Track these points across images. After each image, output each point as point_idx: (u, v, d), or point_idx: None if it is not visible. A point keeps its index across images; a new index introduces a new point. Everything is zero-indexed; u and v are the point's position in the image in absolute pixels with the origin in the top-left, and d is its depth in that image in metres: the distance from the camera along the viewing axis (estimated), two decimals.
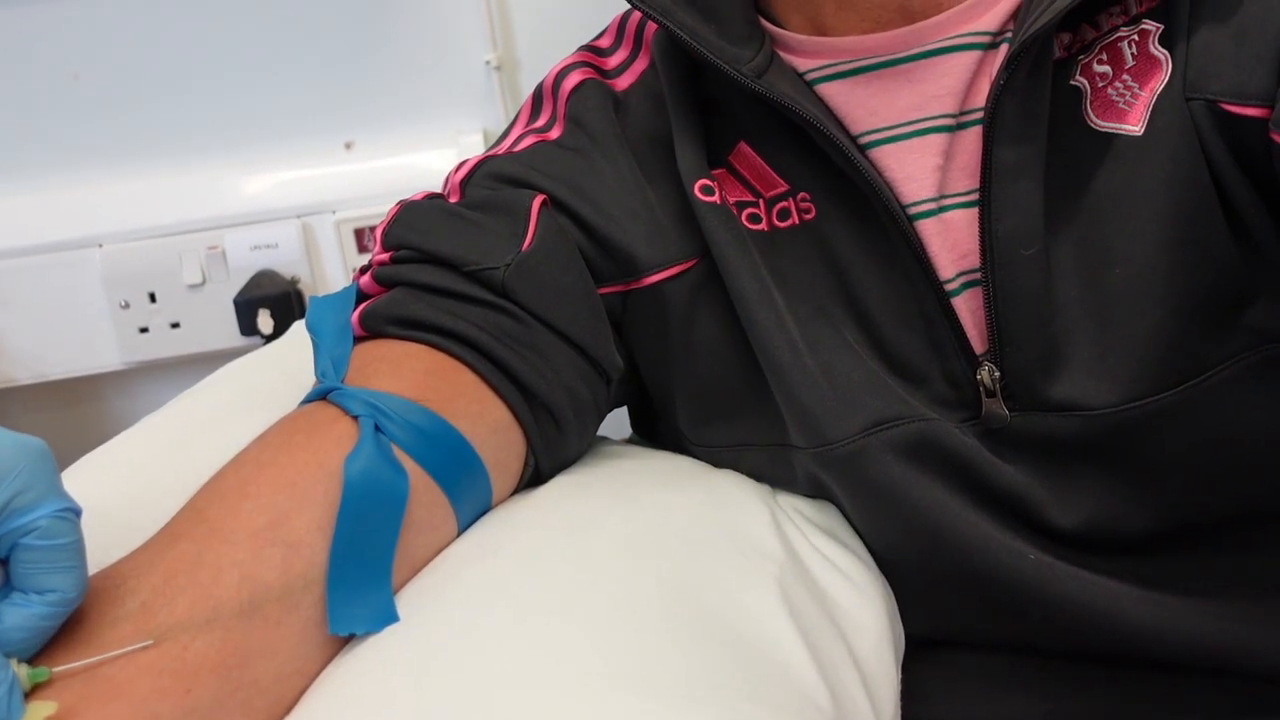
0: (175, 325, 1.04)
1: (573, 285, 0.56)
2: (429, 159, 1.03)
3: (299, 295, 1.03)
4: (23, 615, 0.37)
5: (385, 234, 0.57)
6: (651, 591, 0.44)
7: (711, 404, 0.59)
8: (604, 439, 0.65)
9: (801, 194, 0.58)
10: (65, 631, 0.39)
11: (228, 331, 1.03)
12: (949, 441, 0.54)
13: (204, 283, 1.03)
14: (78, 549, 0.38)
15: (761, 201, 0.58)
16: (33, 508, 0.37)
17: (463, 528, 0.50)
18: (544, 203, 0.57)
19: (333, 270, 1.04)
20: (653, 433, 0.67)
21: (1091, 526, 0.54)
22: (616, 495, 0.53)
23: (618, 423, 0.67)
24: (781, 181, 0.58)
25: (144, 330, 1.04)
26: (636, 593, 0.44)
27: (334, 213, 1.03)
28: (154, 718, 0.37)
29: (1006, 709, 0.57)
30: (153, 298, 1.03)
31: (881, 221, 0.55)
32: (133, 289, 1.03)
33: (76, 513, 0.39)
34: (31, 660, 0.38)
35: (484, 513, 0.51)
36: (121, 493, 0.51)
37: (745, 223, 0.58)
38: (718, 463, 0.59)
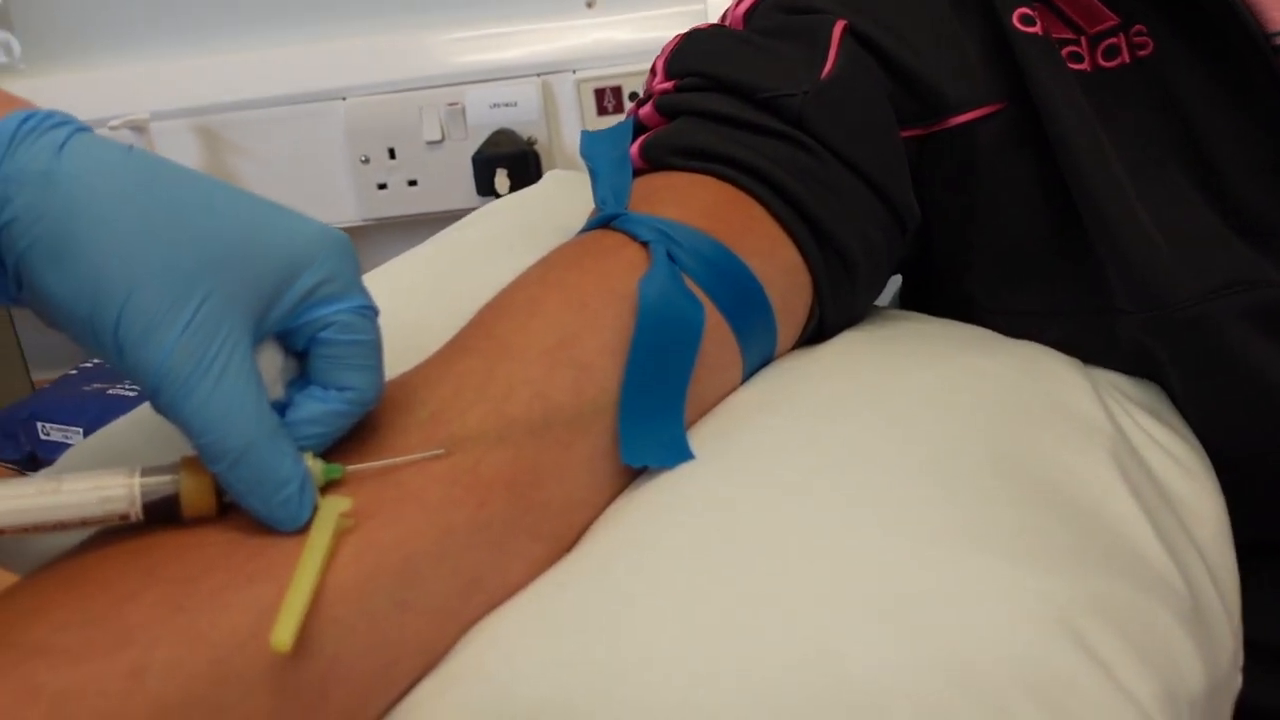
0: (413, 183, 1.04)
1: (875, 120, 0.50)
2: (673, 17, 0.98)
3: (536, 156, 1.01)
4: (319, 409, 0.35)
5: (669, 61, 0.53)
6: (972, 448, 0.39)
7: (1016, 264, 0.53)
8: (879, 307, 0.59)
9: (1135, 27, 0.51)
10: (354, 435, 0.37)
11: (464, 190, 1.03)
12: None
13: (443, 140, 1.02)
14: (376, 348, 0.36)
15: (1084, 39, 0.52)
16: (335, 299, 0.35)
17: (747, 374, 0.46)
18: (846, 28, 0.51)
19: (570, 131, 1.01)
20: (928, 303, 0.61)
21: None
22: (916, 353, 0.48)
23: None
24: (1110, 14, 0.51)
25: (382, 186, 1.04)
26: (956, 447, 0.39)
27: (574, 72, 1.00)
28: (447, 526, 0.35)
29: None
30: (392, 154, 1.03)
31: (1238, 54, 0.48)
32: (373, 144, 1.03)
33: (375, 312, 0.37)
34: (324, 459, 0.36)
35: (766, 362, 0.47)
36: (392, 315, 0.49)
37: (1065, 61, 0.51)
38: (1015, 332, 0.53)
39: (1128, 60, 0.51)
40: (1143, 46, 0.51)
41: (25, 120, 0.33)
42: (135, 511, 0.33)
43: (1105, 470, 0.40)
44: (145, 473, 0.34)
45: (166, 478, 0.34)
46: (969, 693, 0.30)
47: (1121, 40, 0.51)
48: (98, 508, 0.33)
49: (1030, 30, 0.51)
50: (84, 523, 0.33)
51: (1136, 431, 0.46)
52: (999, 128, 0.52)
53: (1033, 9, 0.51)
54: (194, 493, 0.34)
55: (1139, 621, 0.34)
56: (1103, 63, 0.51)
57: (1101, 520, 0.37)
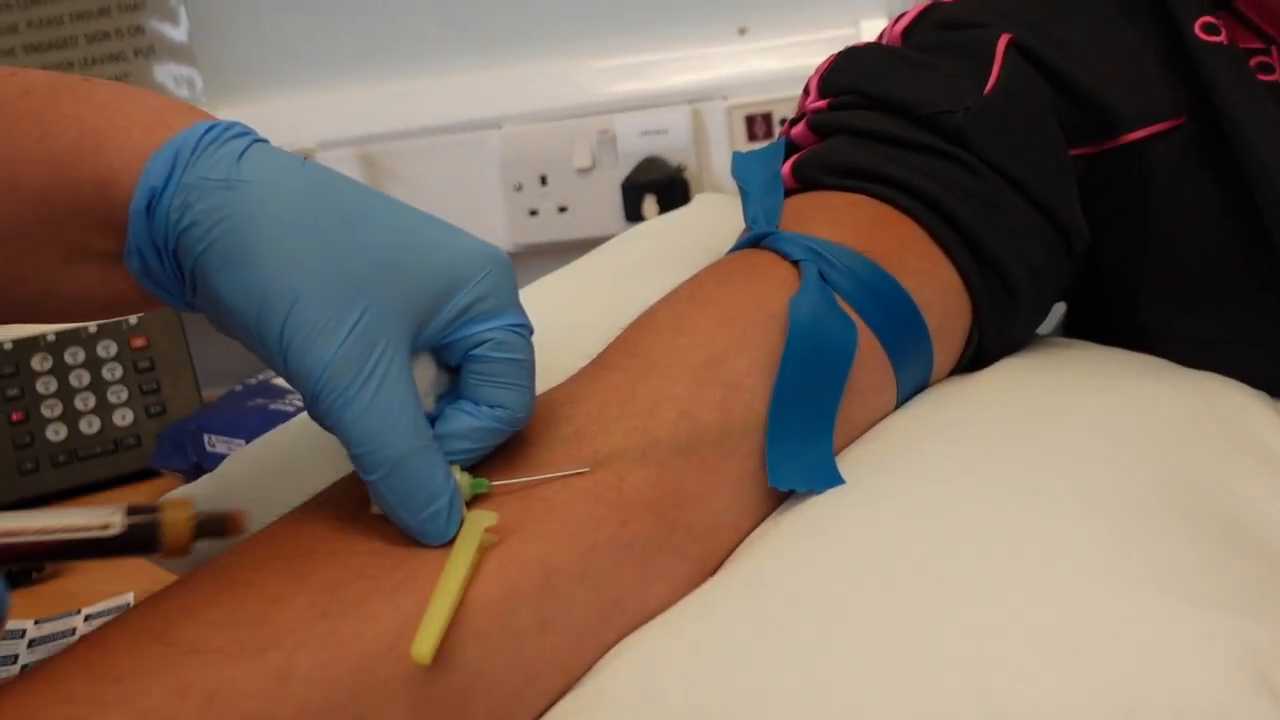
0: (563, 209, 1.05)
1: (1041, 137, 0.48)
2: (825, 42, 0.96)
3: (684, 183, 1.00)
4: (469, 425, 0.35)
5: (824, 79, 0.52)
6: (1148, 479, 0.36)
7: (1195, 290, 0.50)
8: (1041, 335, 0.56)
9: None
10: (499, 451, 0.37)
11: (613, 217, 1.03)
12: None
13: (593, 167, 1.03)
14: (528, 368, 0.36)
15: (1275, 49, 0.48)
16: (491, 317, 0.35)
17: (901, 400, 0.44)
18: (1010, 42, 0.49)
19: (719, 158, 1.01)
20: (1095, 331, 0.57)
21: None
22: (1084, 378, 0.45)
23: None
24: None
25: (533, 213, 1.06)
26: (1130, 478, 0.36)
27: (726, 99, 1.00)
28: (591, 544, 0.35)
29: None
30: (544, 181, 1.05)
31: None
32: (526, 171, 1.05)
33: (531, 331, 0.37)
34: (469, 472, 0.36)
35: (922, 387, 0.45)
36: (539, 333, 0.50)
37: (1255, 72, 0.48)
38: (1193, 364, 0.49)
39: None
40: None
41: (208, 130, 0.34)
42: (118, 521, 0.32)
43: None
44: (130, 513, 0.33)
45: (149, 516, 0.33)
46: None
47: None
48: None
49: (1214, 40, 0.48)
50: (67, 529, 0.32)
51: None
52: (1177, 144, 0.49)
53: (1217, 18, 0.48)
54: (174, 526, 0.33)
55: None
56: None
57: None
